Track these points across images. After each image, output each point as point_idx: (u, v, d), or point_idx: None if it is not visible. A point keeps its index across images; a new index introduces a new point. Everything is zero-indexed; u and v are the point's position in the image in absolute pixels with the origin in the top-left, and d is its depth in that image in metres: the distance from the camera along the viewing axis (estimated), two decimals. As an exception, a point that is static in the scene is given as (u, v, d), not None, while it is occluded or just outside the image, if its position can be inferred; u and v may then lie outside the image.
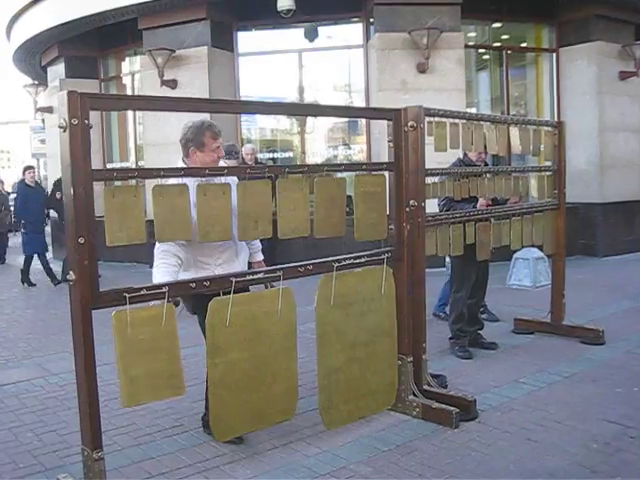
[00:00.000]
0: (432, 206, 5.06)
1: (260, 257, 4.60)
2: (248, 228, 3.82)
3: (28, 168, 11.87)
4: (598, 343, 6.20)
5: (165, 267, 3.96)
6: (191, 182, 3.73)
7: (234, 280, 3.70)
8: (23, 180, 11.65)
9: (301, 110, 4.84)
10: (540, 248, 7.03)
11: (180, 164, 4.06)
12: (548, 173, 6.33)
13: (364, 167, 4.55)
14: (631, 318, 7.35)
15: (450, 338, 6.24)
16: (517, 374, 5.44)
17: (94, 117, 3.94)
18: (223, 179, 3.90)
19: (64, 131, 3.13)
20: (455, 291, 6.20)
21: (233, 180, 3.97)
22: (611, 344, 6.21)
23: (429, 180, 4.88)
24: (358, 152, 12.20)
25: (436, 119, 4.80)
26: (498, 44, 12.88)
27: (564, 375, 5.40)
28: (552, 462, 3.84)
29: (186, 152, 4.07)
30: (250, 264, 4.53)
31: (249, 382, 3.82)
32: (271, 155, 12.54)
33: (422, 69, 10.60)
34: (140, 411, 4.69)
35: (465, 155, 5.96)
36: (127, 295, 3.31)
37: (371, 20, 11.32)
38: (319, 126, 12.51)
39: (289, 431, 4.32)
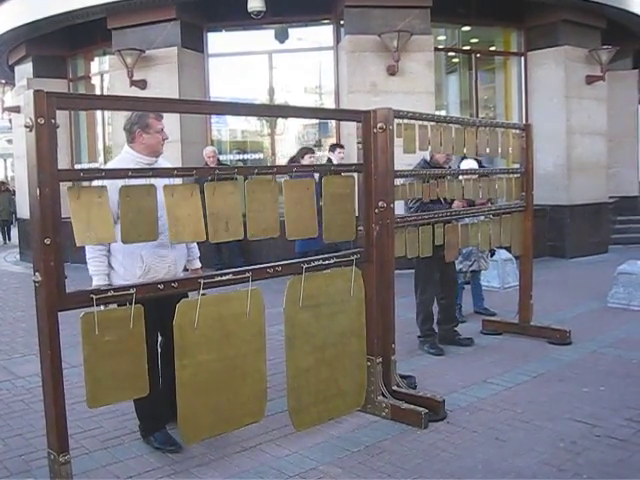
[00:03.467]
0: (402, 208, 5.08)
1: (198, 264, 4.54)
2: (219, 229, 3.80)
3: None
4: (565, 343, 6.28)
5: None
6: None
7: (202, 282, 3.68)
8: None
9: (270, 111, 4.83)
10: (508, 249, 7.09)
11: (125, 152, 4.18)
12: (516, 175, 6.39)
13: (333, 168, 4.55)
14: (597, 318, 7.45)
15: (419, 337, 6.29)
16: (485, 374, 5.49)
17: (62, 117, 3.91)
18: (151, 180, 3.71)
19: (30, 131, 3.09)
20: (421, 293, 6.27)
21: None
22: (578, 344, 6.30)
23: (398, 181, 4.89)
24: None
25: (405, 121, 4.82)
26: (467, 47, 13.00)
27: (532, 375, 5.46)
28: (520, 461, 3.88)
29: (132, 137, 4.15)
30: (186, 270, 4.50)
31: (218, 384, 3.81)
32: (241, 157, 12.50)
33: (392, 71, 10.64)
34: (108, 414, 4.65)
35: (432, 157, 6.00)
36: (94, 297, 3.28)
37: (341, 22, 11.34)
38: (290, 127, 12.50)
39: (258, 433, 4.31)
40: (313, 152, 8.99)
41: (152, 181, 3.59)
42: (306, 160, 8.82)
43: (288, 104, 11.80)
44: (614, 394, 4.97)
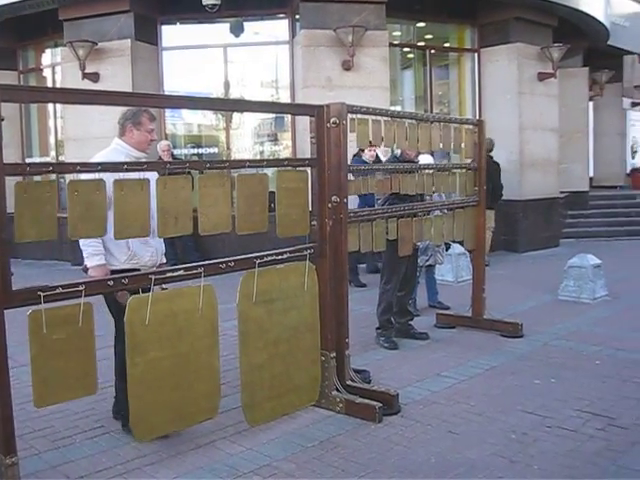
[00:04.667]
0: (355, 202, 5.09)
1: (163, 260, 4.57)
2: (168, 224, 3.76)
3: None
4: (517, 336, 6.38)
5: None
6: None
7: (153, 278, 3.64)
8: None
9: (223, 105, 4.79)
10: (462, 244, 7.16)
11: (116, 144, 4.30)
12: (469, 170, 6.45)
13: (286, 163, 4.52)
14: (549, 311, 7.58)
15: (377, 328, 6.33)
16: (439, 368, 5.54)
17: (12, 110, 3.81)
18: (142, 174, 3.83)
19: (-26, 124, 3.01)
20: (385, 283, 6.30)
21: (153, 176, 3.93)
22: (530, 337, 6.40)
23: (352, 176, 4.90)
24: (284, 148, 12.20)
25: (358, 116, 4.82)
26: (422, 43, 13.07)
27: (484, 368, 5.53)
28: (472, 454, 3.93)
29: (123, 130, 4.32)
30: None
31: (170, 381, 3.77)
32: (196, 151, 12.39)
33: (347, 66, 10.66)
34: (58, 413, 4.57)
35: (402, 152, 6.03)
36: (42, 294, 3.21)
37: (297, 17, 11.31)
38: (246, 122, 12.41)
39: (212, 430, 4.28)
40: (374, 145, 8.59)
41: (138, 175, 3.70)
42: (366, 153, 8.76)
43: (243, 98, 11.72)
44: (565, 386, 5.06)
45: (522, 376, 5.31)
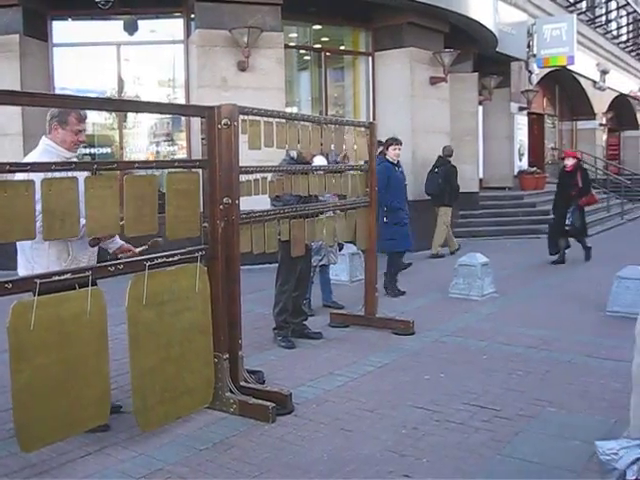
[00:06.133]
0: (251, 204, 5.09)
1: (120, 242, 4.58)
2: (53, 227, 3.65)
3: None
4: (409, 333, 6.55)
5: None
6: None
7: (39, 282, 3.53)
8: None
9: (111, 105, 4.68)
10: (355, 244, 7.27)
11: (45, 144, 4.26)
12: (361, 172, 6.56)
13: (176, 164, 4.49)
14: (440, 309, 7.82)
15: (274, 329, 6.36)
16: (332, 366, 5.61)
17: None
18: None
19: None
20: (281, 284, 6.33)
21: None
22: (421, 334, 6.58)
23: (244, 178, 4.90)
24: (179, 149, 12.05)
25: (250, 117, 4.83)
26: (318, 46, 13.21)
27: (377, 365, 5.65)
28: (364, 450, 4.01)
29: (49, 128, 4.29)
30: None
31: (58, 388, 3.66)
32: (88, 151, 12.05)
33: (242, 67, 10.65)
34: None
35: (299, 154, 6.06)
36: None
37: (192, 16, 11.20)
38: (141, 121, 12.18)
39: (103, 436, 4.19)
40: (399, 143, 8.47)
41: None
42: (390, 151, 8.43)
43: (138, 97, 11.53)
44: (453, 380, 5.24)
45: (413, 372, 5.46)
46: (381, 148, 8.69)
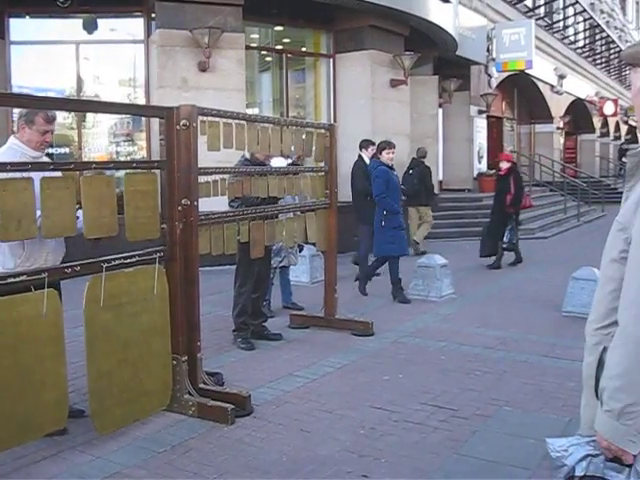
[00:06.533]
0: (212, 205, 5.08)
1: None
2: (10, 228, 3.60)
3: None
4: (368, 334, 6.59)
5: None
6: None
7: (-9, 283, 3.49)
8: None
9: (68, 105, 4.61)
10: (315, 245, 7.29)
11: (11, 142, 4.25)
12: (321, 173, 6.58)
13: (134, 165, 4.46)
14: (399, 310, 7.87)
15: (234, 331, 6.34)
16: (292, 368, 5.62)
17: None
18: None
19: None
20: (240, 286, 6.31)
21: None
22: (380, 335, 6.62)
23: (203, 179, 4.88)
24: (139, 149, 11.96)
25: (209, 118, 4.82)
26: (280, 47, 13.21)
27: (336, 366, 5.67)
28: (323, 450, 4.03)
29: (17, 127, 4.30)
30: None
31: (13, 392, 3.61)
32: (47, 151, 11.87)
33: (203, 68, 10.61)
34: None
35: (252, 155, 6.05)
36: None
37: (153, 15, 11.12)
38: (101, 120, 12.04)
39: (60, 440, 4.13)
40: (393, 146, 8.33)
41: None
42: (384, 155, 8.27)
43: (98, 97, 11.43)
44: (411, 381, 5.28)
45: (371, 373, 5.50)
46: (373, 151, 8.82)
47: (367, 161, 9.51)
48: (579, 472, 1.86)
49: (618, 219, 1.91)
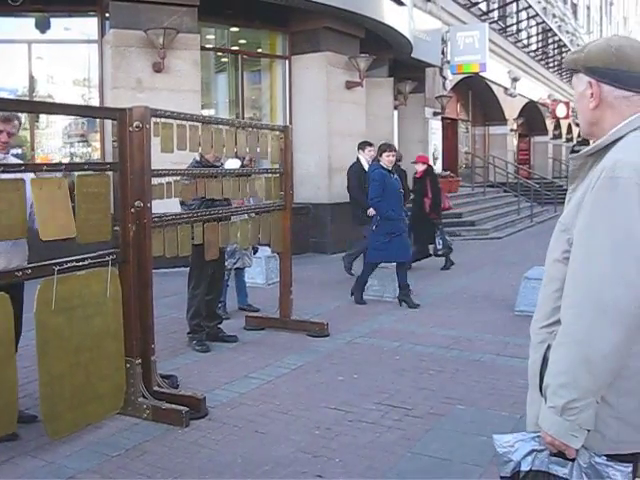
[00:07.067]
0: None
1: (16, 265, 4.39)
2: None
3: None
4: (323, 335, 6.62)
5: None
6: None
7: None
8: None
9: (19, 107, 4.54)
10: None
11: None
12: (276, 175, 6.60)
13: (86, 167, 4.42)
14: (354, 310, 7.92)
15: (188, 333, 6.32)
16: (247, 369, 5.63)
17: None
18: None
19: None
20: (193, 288, 6.30)
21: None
22: (335, 336, 6.66)
23: (156, 181, 4.86)
24: (94, 150, 11.81)
25: (163, 120, 4.80)
26: (235, 48, 13.18)
27: (291, 367, 5.69)
28: (278, 451, 4.04)
29: None
30: None
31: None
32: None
33: (158, 68, 10.53)
34: None
35: (202, 157, 6.04)
36: None
37: (107, 15, 11.00)
38: (54, 121, 11.86)
39: (12, 446, 4.07)
40: (393, 149, 8.16)
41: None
42: (384, 158, 8.07)
43: (51, 97, 11.28)
44: (366, 381, 5.33)
45: (327, 373, 5.53)
46: (371, 152, 8.80)
47: (364, 163, 9.52)
48: (525, 467, 1.90)
49: (561, 220, 1.96)
